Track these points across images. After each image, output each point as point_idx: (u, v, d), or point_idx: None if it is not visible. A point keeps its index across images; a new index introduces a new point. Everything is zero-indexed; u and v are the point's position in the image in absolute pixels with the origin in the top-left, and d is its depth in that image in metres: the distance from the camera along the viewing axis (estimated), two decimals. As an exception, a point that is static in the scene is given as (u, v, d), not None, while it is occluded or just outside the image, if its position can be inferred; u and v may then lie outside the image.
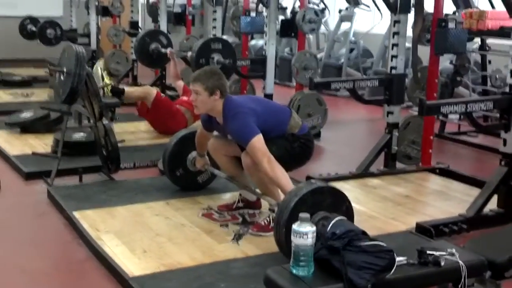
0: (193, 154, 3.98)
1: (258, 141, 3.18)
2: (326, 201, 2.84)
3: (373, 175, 4.57)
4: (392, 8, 4.51)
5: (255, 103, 3.41)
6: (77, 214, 3.62)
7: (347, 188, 4.27)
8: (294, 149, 3.42)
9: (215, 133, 3.69)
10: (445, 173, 4.64)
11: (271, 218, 3.33)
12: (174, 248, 3.20)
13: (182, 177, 4.09)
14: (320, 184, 2.93)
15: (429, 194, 4.37)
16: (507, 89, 3.67)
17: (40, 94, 7.56)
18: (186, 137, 4.04)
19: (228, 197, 3.98)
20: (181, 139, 4.06)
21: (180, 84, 6.13)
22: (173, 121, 5.58)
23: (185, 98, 5.82)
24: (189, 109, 5.57)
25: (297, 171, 4.80)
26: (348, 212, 2.89)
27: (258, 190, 3.53)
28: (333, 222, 2.27)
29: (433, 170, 4.70)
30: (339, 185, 4.28)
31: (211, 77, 3.34)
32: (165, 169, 4.12)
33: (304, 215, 2.20)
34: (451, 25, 4.50)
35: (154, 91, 5.70)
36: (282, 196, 3.15)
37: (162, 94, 5.95)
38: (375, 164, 4.65)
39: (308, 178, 4.41)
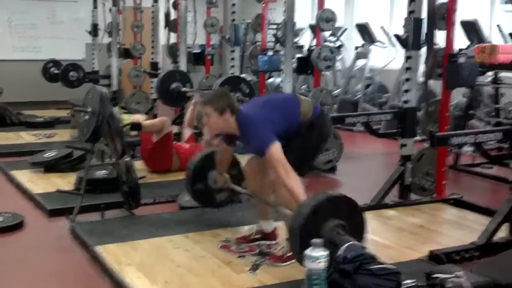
0: (215, 172, 4.09)
1: (275, 150, 3.26)
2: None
3: (388, 206, 4.65)
4: (404, 44, 4.65)
5: (265, 109, 3.50)
6: (99, 249, 3.73)
7: (363, 220, 4.37)
8: (312, 142, 3.50)
9: (250, 155, 3.77)
10: (459, 203, 4.71)
11: (287, 248, 3.40)
12: (194, 279, 3.30)
13: (202, 194, 4.23)
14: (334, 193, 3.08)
15: (443, 224, 4.44)
16: (515, 120, 3.77)
17: (62, 135, 7.76)
18: (209, 155, 4.19)
19: (245, 230, 4.07)
20: (205, 156, 4.22)
21: (188, 132, 6.30)
22: (164, 160, 5.74)
23: (186, 145, 5.96)
24: (179, 154, 5.76)
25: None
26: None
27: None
28: (344, 247, 2.36)
29: (447, 201, 4.77)
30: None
31: (219, 98, 3.50)
32: (187, 184, 4.24)
33: (316, 240, 2.30)
34: (461, 60, 4.62)
35: (170, 123, 5.85)
36: None
37: None
38: (390, 196, 4.74)
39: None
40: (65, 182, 5.34)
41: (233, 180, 4.04)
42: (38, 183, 5.39)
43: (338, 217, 2.85)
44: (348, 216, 2.92)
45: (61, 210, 4.55)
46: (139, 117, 5.69)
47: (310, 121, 3.49)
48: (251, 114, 3.46)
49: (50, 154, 5.92)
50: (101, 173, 5.15)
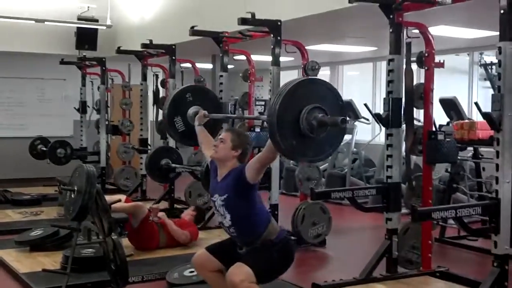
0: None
1: None
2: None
3: (376, 280, 4.68)
4: (384, 123, 4.81)
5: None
6: (86, 329, 3.71)
7: (351, 295, 4.40)
8: (273, 257, 3.48)
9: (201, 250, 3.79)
10: (445, 276, 4.77)
11: None
12: None
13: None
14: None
15: (430, 297, 4.47)
16: (494, 195, 3.86)
17: (49, 212, 7.74)
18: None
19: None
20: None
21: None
22: (149, 241, 5.74)
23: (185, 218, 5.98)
24: (165, 230, 5.76)
25: (302, 277, 4.95)
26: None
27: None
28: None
29: (433, 274, 4.83)
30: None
31: (241, 136, 3.63)
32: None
33: None
34: (440, 137, 4.78)
35: (145, 209, 5.76)
36: None
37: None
38: (379, 269, 4.77)
39: (314, 285, 4.53)
40: (51, 261, 5.31)
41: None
42: (24, 263, 5.35)
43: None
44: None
45: (48, 290, 4.52)
46: (119, 197, 5.68)
47: (273, 241, 3.52)
48: None
49: (36, 233, 5.89)
50: (87, 252, 5.13)
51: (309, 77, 3.39)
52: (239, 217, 3.51)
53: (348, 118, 9.38)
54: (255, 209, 3.54)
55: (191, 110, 4.34)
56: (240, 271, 3.34)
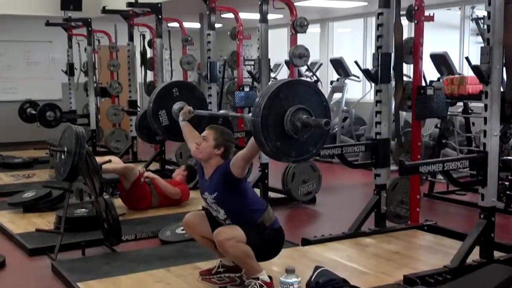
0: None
1: None
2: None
3: (364, 234, 4.76)
4: (373, 78, 4.81)
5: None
6: (81, 286, 3.75)
7: (341, 248, 4.47)
8: (265, 236, 3.51)
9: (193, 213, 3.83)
10: (433, 229, 4.85)
11: (258, 286, 3.44)
12: (175, 312, 3.35)
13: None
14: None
15: (418, 249, 4.55)
16: (482, 148, 3.90)
17: (41, 175, 7.77)
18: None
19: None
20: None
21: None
22: (141, 201, 5.78)
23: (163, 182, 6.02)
24: (157, 190, 5.81)
25: (292, 232, 5.02)
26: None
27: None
28: (317, 272, 2.45)
29: (421, 228, 4.91)
30: (333, 245, 4.52)
31: (224, 134, 3.62)
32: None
33: (290, 267, 2.39)
34: (429, 92, 4.80)
35: (136, 171, 5.78)
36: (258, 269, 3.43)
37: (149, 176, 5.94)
38: (367, 224, 4.84)
39: (304, 240, 4.60)
40: (45, 221, 5.35)
41: None
42: (18, 223, 5.39)
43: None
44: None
45: (42, 249, 4.58)
46: (110, 158, 5.69)
47: (268, 227, 3.53)
48: None
49: (28, 195, 5.93)
50: (80, 212, 5.17)
51: (294, 78, 3.38)
52: (233, 210, 3.53)
53: (338, 76, 9.50)
54: (248, 199, 3.56)
55: (176, 106, 4.34)
56: (230, 231, 3.41)
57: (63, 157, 4.46)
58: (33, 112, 10.12)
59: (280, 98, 3.06)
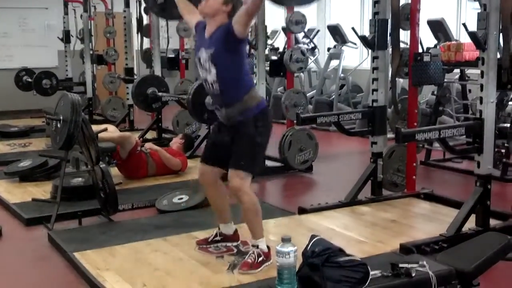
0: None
1: None
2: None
3: (361, 202, 4.78)
4: (370, 45, 4.76)
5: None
6: (77, 255, 3.76)
7: (337, 216, 4.49)
8: (256, 142, 3.47)
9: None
10: (429, 197, 4.87)
11: (255, 254, 3.45)
12: (172, 281, 3.35)
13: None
14: None
15: (414, 217, 4.56)
16: (478, 115, 3.88)
17: (38, 144, 7.75)
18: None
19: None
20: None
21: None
22: (138, 170, 5.77)
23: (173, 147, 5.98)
24: (154, 159, 5.80)
25: (288, 201, 5.03)
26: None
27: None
28: (312, 241, 2.46)
29: (417, 196, 4.93)
30: (329, 214, 4.53)
31: None
32: None
33: (286, 236, 2.39)
34: (426, 58, 4.76)
35: (132, 140, 5.76)
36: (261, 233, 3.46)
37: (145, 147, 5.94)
38: (364, 193, 4.85)
39: (300, 208, 4.62)
40: (41, 191, 5.36)
41: None
42: (14, 193, 5.39)
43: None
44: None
45: (38, 219, 4.58)
46: (106, 126, 5.67)
47: (256, 116, 3.47)
48: None
49: (25, 164, 5.92)
50: (77, 181, 5.17)
51: None
52: (225, 71, 3.41)
53: (335, 43, 9.42)
54: (242, 67, 3.47)
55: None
56: (235, 178, 3.40)
57: (59, 125, 4.43)
58: (29, 80, 10.04)
59: None
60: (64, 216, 4.53)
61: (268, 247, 3.51)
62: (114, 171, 5.59)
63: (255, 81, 6.00)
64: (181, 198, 4.87)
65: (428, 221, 4.34)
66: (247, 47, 6.76)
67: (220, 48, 3.38)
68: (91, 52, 9.87)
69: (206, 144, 3.94)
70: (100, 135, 5.12)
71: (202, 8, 3.46)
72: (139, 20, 9.22)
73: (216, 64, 3.40)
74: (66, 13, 10.37)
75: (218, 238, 3.80)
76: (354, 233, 4.09)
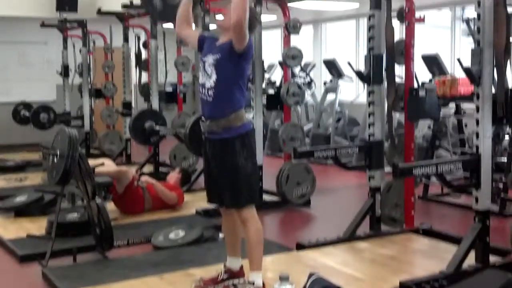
0: None
1: None
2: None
3: (359, 238, 4.73)
4: (365, 80, 4.79)
5: None
6: (72, 293, 3.72)
7: (335, 253, 4.44)
8: (247, 164, 3.51)
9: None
10: (428, 233, 4.82)
11: None
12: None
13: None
14: None
15: (414, 254, 4.53)
16: (474, 150, 3.87)
17: (34, 178, 7.69)
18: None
19: (220, 268, 4.07)
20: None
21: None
22: (134, 205, 5.73)
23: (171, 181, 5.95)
24: (151, 194, 5.77)
25: (286, 237, 4.99)
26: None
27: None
28: (311, 280, 2.42)
29: (416, 231, 4.88)
30: (327, 250, 4.49)
31: (251, 9, 3.45)
32: None
33: (284, 274, 2.36)
34: (421, 93, 4.78)
35: (129, 175, 5.74)
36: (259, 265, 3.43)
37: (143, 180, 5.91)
38: (362, 227, 4.81)
39: (298, 245, 4.57)
40: (36, 226, 5.29)
41: None
42: (9, 228, 5.34)
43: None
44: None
45: (33, 256, 4.52)
46: (103, 161, 5.64)
47: (239, 134, 3.51)
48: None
49: (20, 199, 5.86)
50: (72, 216, 5.13)
51: None
52: (224, 80, 3.47)
53: (331, 77, 9.48)
54: (239, 82, 3.52)
55: None
56: (240, 213, 3.49)
57: (55, 160, 4.41)
58: (27, 114, 10.05)
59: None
60: (59, 253, 4.47)
61: (263, 283, 3.46)
62: (110, 206, 5.56)
63: (252, 115, 6.02)
64: (178, 234, 4.83)
65: (427, 258, 4.29)
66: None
67: (225, 56, 3.47)
68: (89, 86, 9.91)
69: (204, 180, 3.90)
70: (97, 169, 5.10)
71: (222, 23, 3.57)
72: (138, 54, 9.28)
73: (218, 70, 3.48)
74: (65, 47, 10.42)
75: (225, 276, 3.76)
76: (353, 270, 4.04)
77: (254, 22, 3.56)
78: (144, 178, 5.92)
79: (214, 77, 3.48)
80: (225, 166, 3.50)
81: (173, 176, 6.35)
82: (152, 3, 3.98)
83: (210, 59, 3.52)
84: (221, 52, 3.49)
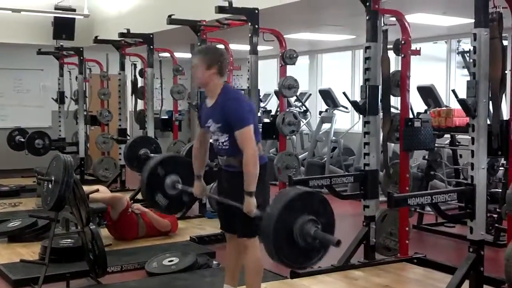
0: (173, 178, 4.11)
1: (251, 130, 3.45)
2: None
3: (354, 267, 4.73)
4: (361, 110, 4.83)
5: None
6: (64, 319, 3.70)
7: (330, 281, 4.43)
8: (259, 196, 3.53)
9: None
10: (423, 262, 4.83)
11: None
12: None
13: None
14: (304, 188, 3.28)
15: (407, 283, 4.53)
16: (469, 181, 3.89)
17: (28, 203, 7.68)
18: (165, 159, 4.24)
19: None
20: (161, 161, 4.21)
21: None
22: (128, 231, 5.73)
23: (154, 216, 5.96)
24: (144, 220, 5.79)
25: (281, 266, 4.94)
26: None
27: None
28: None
29: (411, 260, 4.89)
30: (322, 278, 4.47)
31: (210, 51, 3.58)
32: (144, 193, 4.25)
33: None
34: (417, 124, 4.82)
35: (124, 201, 5.75)
36: None
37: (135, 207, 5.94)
38: (357, 256, 4.81)
39: (292, 272, 4.55)
40: (30, 252, 5.28)
41: None
42: (2, 254, 5.32)
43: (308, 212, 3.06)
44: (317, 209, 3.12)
45: (26, 280, 4.50)
46: (97, 187, 5.64)
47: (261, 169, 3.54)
48: (245, 97, 3.64)
49: (14, 224, 5.85)
50: (66, 242, 5.11)
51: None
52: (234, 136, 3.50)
53: (327, 107, 9.54)
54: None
55: (168, 181, 4.24)
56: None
57: (50, 186, 4.41)
58: (22, 139, 10.06)
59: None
60: (52, 278, 4.44)
61: None
62: (104, 232, 5.54)
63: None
64: (172, 261, 4.81)
65: (422, 287, 4.31)
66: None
67: (226, 124, 3.50)
68: (85, 113, 9.95)
69: (218, 211, 4.01)
70: (91, 195, 5.10)
71: (196, 85, 3.59)
72: (134, 82, 9.33)
73: (228, 133, 3.53)
74: (61, 74, 10.48)
75: None
76: (347, 299, 4.04)
77: (226, 66, 3.65)
78: (136, 206, 5.92)
79: (225, 136, 3.55)
80: (239, 197, 3.49)
81: None
82: (156, 201, 4.17)
83: (213, 126, 3.58)
84: (221, 121, 3.52)
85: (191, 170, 3.87)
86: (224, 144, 3.57)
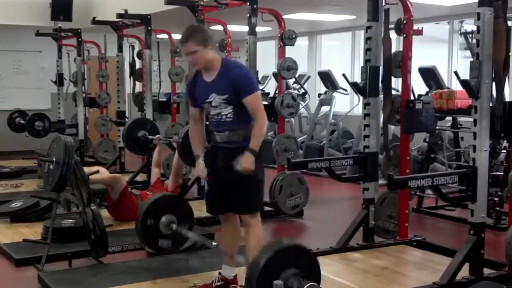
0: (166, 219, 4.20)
1: (259, 96, 3.53)
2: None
3: (352, 249, 4.74)
4: (361, 92, 4.81)
5: None
6: (67, 298, 3.73)
7: (328, 263, 4.44)
8: (257, 180, 3.60)
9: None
10: (422, 245, 4.84)
11: None
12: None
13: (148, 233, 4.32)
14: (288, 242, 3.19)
15: (407, 265, 4.55)
16: (471, 163, 3.88)
17: (29, 185, 7.71)
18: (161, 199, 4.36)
19: (214, 275, 4.08)
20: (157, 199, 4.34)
21: (157, 172, 6.35)
22: (128, 212, 5.71)
23: (149, 193, 5.98)
24: (144, 199, 5.75)
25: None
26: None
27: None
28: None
29: (410, 243, 4.90)
30: (320, 260, 4.47)
31: (199, 32, 3.55)
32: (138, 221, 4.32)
33: (277, 282, 2.37)
34: (418, 106, 4.81)
35: (123, 181, 5.77)
36: None
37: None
38: (355, 239, 4.82)
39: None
40: (32, 232, 5.31)
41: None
42: (5, 233, 5.35)
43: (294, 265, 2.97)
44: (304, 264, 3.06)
45: (29, 260, 4.54)
46: (97, 168, 5.65)
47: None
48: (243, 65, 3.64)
49: (16, 204, 5.88)
50: (67, 222, 5.13)
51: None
52: (241, 108, 3.49)
53: (326, 89, 9.53)
54: None
55: (164, 220, 4.27)
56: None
57: (51, 167, 4.42)
58: (22, 121, 10.06)
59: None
60: (54, 257, 4.48)
61: None
62: (105, 213, 5.55)
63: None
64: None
65: (421, 269, 4.30)
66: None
67: (232, 94, 3.48)
68: (83, 95, 9.93)
69: (206, 193, 3.99)
70: (91, 177, 5.10)
71: (198, 68, 3.59)
72: (132, 64, 9.30)
73: (233, 105, 3.51)
74: (60, 56, 10.45)
75: (219, 283, 3.78)
76: (346, 280, 4.04)
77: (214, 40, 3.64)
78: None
79: (230, 107, 3.52)
80: (245, 182, 3.50)
81: (155, 173, 6.34)
82: (161, 247, 4.34)
83: (216, 98, 3.52)
84: (227, 92, 3.49)
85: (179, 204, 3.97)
86: (228, 116, 3.53)
